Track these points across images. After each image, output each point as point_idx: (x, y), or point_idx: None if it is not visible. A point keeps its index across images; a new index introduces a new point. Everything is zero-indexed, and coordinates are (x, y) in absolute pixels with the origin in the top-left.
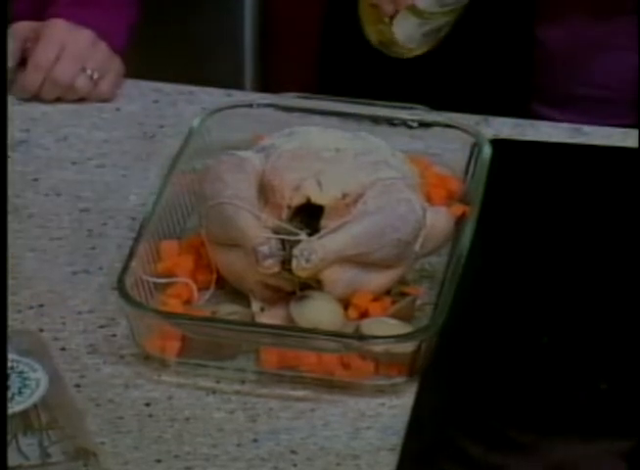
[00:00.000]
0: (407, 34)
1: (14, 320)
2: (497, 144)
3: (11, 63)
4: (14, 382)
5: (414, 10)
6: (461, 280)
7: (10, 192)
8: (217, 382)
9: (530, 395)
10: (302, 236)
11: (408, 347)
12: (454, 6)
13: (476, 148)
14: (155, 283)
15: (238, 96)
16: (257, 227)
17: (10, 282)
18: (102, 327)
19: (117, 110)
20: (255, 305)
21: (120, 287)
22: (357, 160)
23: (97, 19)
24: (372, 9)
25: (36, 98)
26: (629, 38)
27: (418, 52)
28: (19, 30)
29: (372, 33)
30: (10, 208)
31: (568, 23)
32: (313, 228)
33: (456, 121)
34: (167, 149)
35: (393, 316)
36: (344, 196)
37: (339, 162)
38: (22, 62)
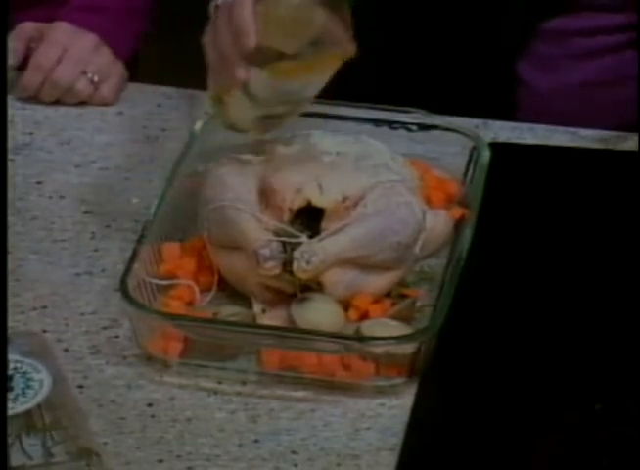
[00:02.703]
0: (240, 116)
1: (17, 322)
2: (496, 147)
3: (14, 61)
4: (17, 383)
5: (246, 92)
6: (460, 282)
7: (13, 195)
8: (219, 383)
9: (529, 395)
10: (303, 238)
11: (408, 348)
12: (293, 102)
13: (475, 151)
14: (157, 285)
15: None
16: (258, 230)
17: (13, 284)
18: (105, 328)
19: (120, 113)
20: (257, 307)
21: (123, 289)
22: (357, 163)
23: (102, 24)
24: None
25: (36, 99)
26: (619, 73)
27: (258, 134)
28: (24, 30)
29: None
30: (13, 210)
31: (553, 67)
32: (314, 231)
33: (455, 125)
34: (170, 152)
35: (393, 318)
36: (345, 199)
37: (339, 165)
38: (26, 62)
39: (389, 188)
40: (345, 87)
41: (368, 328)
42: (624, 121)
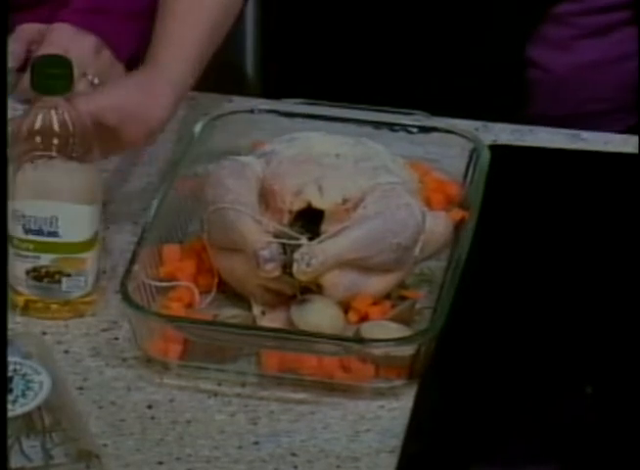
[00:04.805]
0: None
1: (17, 323)
2: (496, 149)
3: (15, 64)
4: (17, 384)
5: None
6: (460, 284)
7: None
8: (219, 385)
9: (529, 397)
10: (303, 240)
11: (407, 350)
12: None
13: (475, 153)
14: (157, 287)
15: (239, 102)
16: (258, 232)
17: None
18: (104, 330)
19: None
20: (256, 309)
21: (123, 291)
22: (357, 165)
23: (103, 26)
24: None
25: None
26: (625, 49)
27: None
28: (25, 32)
29: None
30: None
31: (566, 46)
32: (314, 233)
33: (455, 127)
34: (169, 154)
35: (393, 320)
36: (345, 201)
37: (339, 167)
38: (26, 64)
39: (389, 190)
40: (345, 89)
41: (368, 330)
42: (629, 98)
